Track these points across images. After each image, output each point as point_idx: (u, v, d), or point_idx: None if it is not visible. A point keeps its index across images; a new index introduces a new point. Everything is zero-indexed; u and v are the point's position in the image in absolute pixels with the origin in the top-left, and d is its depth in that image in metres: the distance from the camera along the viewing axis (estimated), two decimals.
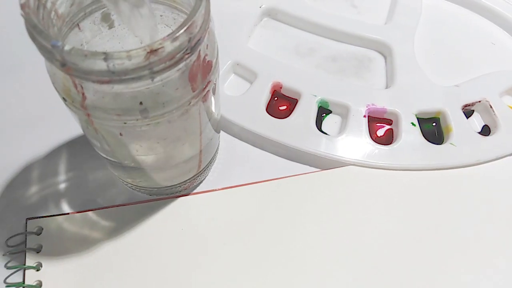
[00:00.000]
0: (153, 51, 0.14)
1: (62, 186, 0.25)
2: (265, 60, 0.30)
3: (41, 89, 0.28)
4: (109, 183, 0.25)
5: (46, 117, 0.27)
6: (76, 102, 0.16)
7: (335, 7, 0.34)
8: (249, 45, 0.31)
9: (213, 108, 0.21)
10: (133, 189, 0.25)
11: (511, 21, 0.34)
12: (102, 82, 0.14)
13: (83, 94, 0.16)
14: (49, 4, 0.16)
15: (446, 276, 0.24)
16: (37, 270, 0.22)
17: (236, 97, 0.29)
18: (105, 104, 0.16)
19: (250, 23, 0.32)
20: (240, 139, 0.28)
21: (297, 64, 0.31)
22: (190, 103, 0.17)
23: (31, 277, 0.22)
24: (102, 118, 0.17)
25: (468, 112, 0.30)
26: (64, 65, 0.14)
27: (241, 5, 0.33)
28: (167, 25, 0.20)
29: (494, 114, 0.29)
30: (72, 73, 0.14)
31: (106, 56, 0.14)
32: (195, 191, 0.26)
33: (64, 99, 0.17)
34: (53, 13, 0.16)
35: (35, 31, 0.14)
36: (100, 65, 0.14)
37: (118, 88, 0.15)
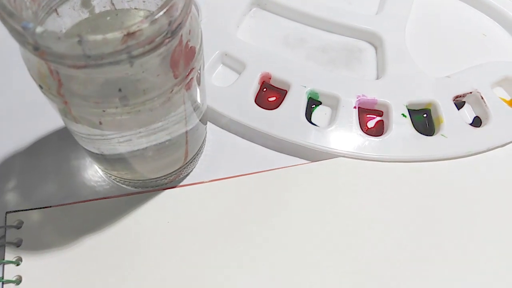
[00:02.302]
0: (130, 34, 0.13)
1: (44, 178, 0.24)
2: (254, 50, 0.30)
3: (19, 79, 0.28)
4: (93, 176, 0.25)
5: (26, 108, 0.26)
6: (52, 89, 0.16)
7: None
8: (237, 35, 0.31)
9: (198, 98, 0.21)
10: (117, 182, 0.24)
11: (503, 12, 0.34)
12: (77, 67, 0.14)
13: (59, 80, 0.15)
14: None
15: (436, 265, 0.23)
16: (17, 265, 0.22)
17: (224, 88, 0.28)
18: (82, 91, 0.15)
19: (238, 13, 0.32)
20: (228, 130, 0.28)
21: (286, 54, 0.31)
22: (172, 90, 0.17)
23: (11, 272, 0.21)
24: (81, 106, 0.16)
25: (459, 103, 0.30)
26: (37, 49, 0.13)
27: None
28: (149, 11, 0.20)
29: (486, 106, 0.29)
30: (46, 57, 0.14)
31: (81, 39, 0.13)
32: (182, 183, 0.25)
33: (40, 86, 0.16)
34: None
35: (5, 12, 0.13)
36: (75, 48, 0.13)
37: (95, 73, 0.14)
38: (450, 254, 0.24)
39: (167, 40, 0.15)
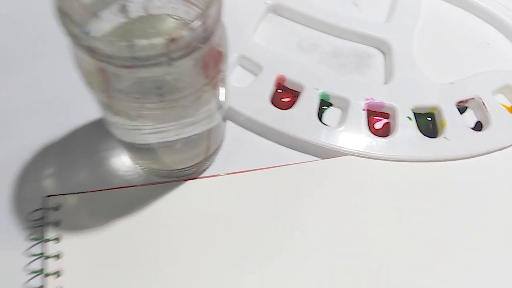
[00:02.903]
0: (173, 40, 0.16)
1: (78, 167, 0.27)
2: (270, 54, 0.32)
3: (58, 76, 0.30)
4: (123, 166, 0.27)
5: (64, 102, 0.29)
6: (99, 86, 0.18)
7: (338, 5, 0.36)
8: (254, 39, 0.33)
9: (222, 97, 0.23)
10: (145, 171, 0.27)
11: (506, 23, 0.35)
12: (125, 67, 0.16)
13: (106, 78, 0.17)
14: None
15: (437, 260, 0.25)
16: (57, 243, 0.24)
17: (242, 88, 0.30)
18: (126, 88, 0.18)
19: (256, 19, 0.34)
20: (245, 128, 0.30)
21: (300, 58, 0.33)
22: (202, 89, 0.19)
23: (51, 248, 0.24)
24: (123, 101, 0.18)
25: (462, 108, 0.31)
26: (91, 51, 0.16)
27: (248, 1, 0.34)
28: (179, 17, 0.22)
29: (487, 111, 0.31)
30: (98, 58, 0.16)
31: (131, 43, 0.15)
32: (202, 175, 0.27)
33: (88, 82, 0.18)
34: (77, 2, 0.18)
35: (66, 19, 0.16)
36: (124, 51, 0.15)
37: (139, 73, 0.17)
38: (450, 248, 0.26)
39: (201, 45, 0.17)
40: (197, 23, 0.16)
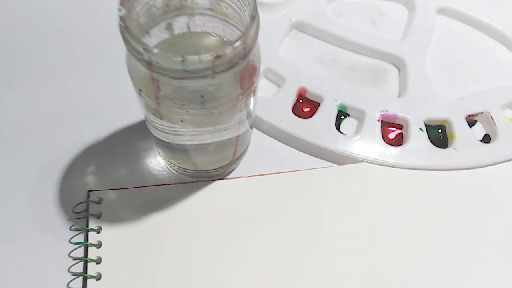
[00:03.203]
0: (218, 56, 0.18)
1: (119, 165, 0.30)
2: (293, 67, 0.35)
3: (104, 84, 0.34)
4: (158, 166, 0.30)
5: (107, 107, 0.32)
6: (151, 93, 0.21)
7: (357, 23, 0.38)
8: (279, 53, 0.36)
9: (252, 106, 0.25)
10: (177, 171, 0.29)
11: None
12: (176, 78, 0.19)
13: (158, 87, 0.20)
14: (134, 16, 0.21)
15: (443, 262, 0.27)
16: (98, 232, 0.27)
17: (266, 98, 0.33)
18: (174, 95, 0.20)
19: (280, 34, 0.37)
20: (269, 135, 0.32)
21: (320, 72, 0.35)
22: (238, 98, 0.22)
23: (93, 238, 0.27)
24: (170, 106, 0.21)
25: (471, 121, 0.33)
26: (149, 64, 0.19)
27: (273, 18, 0.37)
28: (216, 34, 0.25)
29: (495, 125, 0.33)
30: (154, 70, 0.19)
31: (183, 59, 0.18)
32: (228, 176, 0.30)
33: (140, 90, 0.21)
34: (136, 23, 0.21)
35: (131, 37, 0.18)
36: (177, 64, 0.18)
37: (187, 83, 0.19)
38: (457, 253, 0.28)
39: (240, 61, 0.20)
40: (238, 43, 0.19)
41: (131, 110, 0.31)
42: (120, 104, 0.32)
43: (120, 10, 0.19)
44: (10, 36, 0.36)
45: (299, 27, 0.38)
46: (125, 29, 0.19)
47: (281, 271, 0.26)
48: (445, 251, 0.28)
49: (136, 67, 0.21)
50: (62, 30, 0.37)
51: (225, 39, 0.24)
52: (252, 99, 0.24)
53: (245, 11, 0.21)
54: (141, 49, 0.18)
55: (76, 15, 0.38)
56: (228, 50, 0.18)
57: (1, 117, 0.32)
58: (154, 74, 0.20)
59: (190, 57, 0.18)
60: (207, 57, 0.18)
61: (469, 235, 0.28)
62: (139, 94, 0.22)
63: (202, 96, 0.20)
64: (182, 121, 0.22)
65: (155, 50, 0.18)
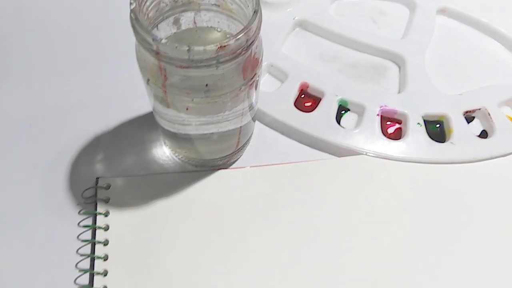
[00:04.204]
0: (222, 47, 0.19)
1: (126, 154, 0.31)
2: (295, 63, 0.36)
3: (112, 77, 0.35)
4: (164, 155, 0.31)
5: (116, 99, 0.33)
6: (158, 82, 0.22)
7: (358, 22, 0.40)
8: (282, 50, 0.37)
9: (254, 98, 0.27)
10: (182, 160, 0.31)
11: None
12: (182, 67, 0.20)
13: (165, 76, 0.22)
14: (144, 10, 0.22)
15: (439, 254, 0.28)
16: (105, 216, 0.28)
17: (269, 92, 0.34)
18: (180, 84, 0.22)
19: (284, 32, 0.38)
20: (271, 127, 0.33)
21: (322, 68, 0.37)
22: (240, 89, 0.23)
23: (101, 221, 0.28)
24: (176, 95, 0.22)
25: (469, 117, 0.34)
26: (157, 53, 0.20)
27: (278, 17, 0.38)
28: (221, 29, 0.26)
29: (492, 121, 0.33)
30: (162, 59, 0.20)
31: (189, 49, 0.19)
32: (232, 166, 0.31)
33: (148, 79, 0.23)
34: (145, 16, 0.22)
35: (141, 28, 0.20)
36: (184, 54, 0.19)
37: (193, 72, 0.21)
38: (448, 245, 0.29)
39: (243, 52, 0.21)
40: (240, 35, 0.20)
41: (139, 103, 0.32)
42: (128, 98, 0.33)
43: (131, 3, 0.21)
44: (25, 32, 0.38)
45: (303, 25, 0.39)
46: (136, 21, 0.20)
47: (281, 259, 0.27)
48: (441, 243, 0.29)
49: (145, 57, 0.22)
50: (75, 25, 0.38)
51: (229, 34, 0.26)
52: (254, 91, 0.26)
53: (248, 6, 0.22)
54: (150, 40, 0.19)
55: (84, 12, 0.39)
56: (232, 41, 0.20)
57: (17, 109, 0.33)
58: (162, 64, 0.21)
59: (195, 47, 0.19)
60: (211, 47, 0.19)
61: (465, 227, 0.29)
62: (147, 83, 0.23)
63: (207, 85, 0.22)
64: (187, 109, 0.23)
65: (163, 40, 0.19)
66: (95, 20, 0.39)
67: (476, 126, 0.34)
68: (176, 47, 0.19)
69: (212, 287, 0.26)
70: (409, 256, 0.28)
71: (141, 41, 0.20)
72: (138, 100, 0.32)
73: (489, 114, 0.34)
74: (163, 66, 0.21)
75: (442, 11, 0.41)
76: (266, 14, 0.38)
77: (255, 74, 0.24)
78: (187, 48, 0.19)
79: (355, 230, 0.29)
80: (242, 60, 0.22)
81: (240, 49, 0.20)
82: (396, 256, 0.28)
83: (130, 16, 0.20)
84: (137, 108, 0.33)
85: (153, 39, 0.19)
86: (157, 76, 0.22)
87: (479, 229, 0.29)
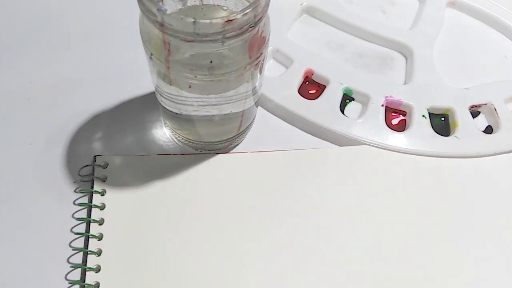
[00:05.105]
0: (229, 21, 0.19)
1: (126, 133, 0.30)
2: (301, 50, 0.35)
3: (114, 54, 0.34)
4: (163, 136, 0.31)
5: (117, 77, 0.33)
6: (161, 56, 0.21)
7: (367, 11, 0.39)
8: (288, 36, 0.36)
9: (257, 81, 0.26)
10: (182, 142, 0.30)
11: None
12: (187, 41, 0.19)
13: (169, 50, 0.21)
14: None
15: (439, 247, 0.28)
16: (102, 195, 0.27)
17: (273, 78, 0.34)
18: (183, 60, 0.21)
19: (291, 18, 0.37)
20: (273, 113, 0.33)
21: (328, 56, 0.36)
22: (245, 68, 0.22)
23: (97, 199, 0.27)
24: (179, 71, 0.22)
25: (474, 112, 0.34)
26: (162, 25, 0.19)
27: (285, 2, 0.38)
28: (228, 7, 0.25)
29: (498, 117, 0.33)
30: (167, 31, 0.19)
31: (195, 21, 0.19)
32: (232, 151, 0.31)
33: (151, 54, 0.22)
34: None
35: None
36: (189, 27, 0.19)
37: (197, 47, 0.20)
38: (449, 239, 0.28)
39: (250, 28, 0.20)
40: (248, 10, 0.19)
41: (141, 81, 0.32)
42: (130, 76, 0.32)
43: None
44: (23, 6, 0.37)
45: (310, 11, 0.38)
46: None
47: (278, 246, 0.27)
48: (441, 237, 0.28)
49: (149, 30, 0.21)
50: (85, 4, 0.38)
51: None
52: (258, 73, 0.25)
53: None
54: (154, 10, 0.19)
55: None
56: (239, 16, 0.19)
57: (14, 82, 0.33)
58: (166, 37, 0.20)
59: (201, 20, 0.19)
60: (218, 21, 0.19)
61: (466, 221, 0.29)
62: (150, 58, 0.22)
63: (211, 62, 0.21)
64: (190, 86, 0.23)
65: (168, 11, 0.19)
66: None
67: (482, 121, 0.34)
68: (182, 19, 0.19)
69: (209, 273, 0.26)
70: (408, 248, 0.28)
71: (146, 11, 0.19)
72: (140, 78, 0.31)
73: (495, 110, 0.33)
74: (168, 40, 0.20)
75: (452, 4, 0.40)
76: None
77: (261, 54, 0.23)
78: (192, 21, 0.19)
79: (354, 219, 0.28)
80: (248, 37, 0.21)
81: (247, 25, 0.20)
82: (395, 248, 0.27)
83: None
84: (139, 87, 0.32)
85: (158, 10, 0.19)
86: (161, 51, 0.21)
87: (480, 224, 0.29)
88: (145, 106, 0.31)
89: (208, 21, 0.19)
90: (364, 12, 0.39)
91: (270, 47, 0.35)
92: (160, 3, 0.24)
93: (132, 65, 0.33)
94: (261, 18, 0.20)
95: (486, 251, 0.28)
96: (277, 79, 0.33)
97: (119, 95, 0.32)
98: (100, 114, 0.31)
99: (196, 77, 0.22)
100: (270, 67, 0.35)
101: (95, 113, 0.31)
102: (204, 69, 0.21)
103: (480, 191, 0.30)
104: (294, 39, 0.36)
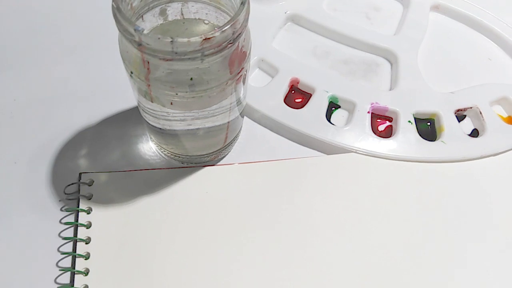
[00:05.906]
0: (207, 39, 0.19)
1: (111, 149, 0.30)
2: (286, 58, 0.35)
3: (96, 70, 0.34)
4: (149, 151, 0.30)
5: (101, 93, 0.33)
6: (141, 75, 0.21)
7: (351, 18, 0.39)
8: (273, 45, 0.36)
9: (241, 92, 0.26)
10: (168, 156, 0.30)
11: (507, 40, 0.38)
12: (166, 60, 0.19)
13: (148, 69, 0.21)
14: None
15: (429, 252, 0.28)
16: (88, 213, 0.27)
17: (259, 88, 0.34)
18: (163, 78, 0.21)
19: (275, 26, 0.37)
20: (260, 124, 0.33)
21: (313, 64, 0.36)
22: (227, 83, 0.22)
23: (83, 218, 0.27)
24: (160, 89, 0.21)
25: (460, 116, 0.34)
26: (140, 45, 0.19)
27: (269, 10, 0.38)
28: (209, 21, 0.25)
29: (483, 120, 0.33)
30: (145, 51, 0.19)
31: (173, 40, 0.18)
32: (219, 163, 0.30)
33: (131, 72, 0.22)
34: (129, 6, 0.22)
35: (122, 18, 0.19)
36: (167, 46, 0.19)
37: (176, 65, 0.20)
38: (439, 243, 0.28)
39: (229, 45, 0.20)
40: (226, 27, 0.19)
41: (124, 96, 0.32)
42: (113, 90, 0.32)
43: None
44: (5, 22, 0.37)
45: (294, 19, 0.38)
46: (117, 10, 0.19)
47: (267, 258, 0.27)
48: (430, 242, 0.28)
49: (128, 49, 0.21)
50: (57, 16, 0.37)
51: (218, 27, 0.25)
52: (242, 85, 0.25)
53: None
54: (131, 30, 0.19)
55: (71, 1, 0.38)
56: (217, 33, 0.19)
57: None
58: (145, 56, 0.20)
59: (179, 39, 0.18)
60: (196, 39, 0.19)
61: (454, 225, 0.29)
62: (131, 76, 0.22)
63: (192, 79, 0.21)
64: (171, 103, 0.22)
65: (145, 31, 0.18)
66: (81, 9, 0.38)
67: (467, 124, 0.34)
68: (159, 39, 0.18)
69: (196, 285, 0.26)
70: (398, 255, 0.28)
71: (123, 31, 0.19)
72: (124, 93, 0.31)
73: (481, 113, 0.33)
74: (146, 59, 0.20)
75: (436, 8, 0.40)
76: (257, 7, 0.38)
77: (243, 68, 0.23)
78: (170, 40, 0.18)
79: (343, 228, 0.28)
80: (228, 53, 0.21)
81: (226, 42, 0.20)
82: (385, 254, 0.27)
83: (112, 5, 0.19)
84: (123, 101, 0.32)
85: (135, 30, 0.18)
86: (140, 69, 0.21)
87: (468, 228, 0.29)
88: (130, 121, 0.31)
89: (186, 40, 0.19)
90: (348, 18, 0.39)
91: (255, 57, 0.35)
92: (140, 20, 0.24)
93: (116, 80, 0.32)
94: (240, 34, 0.20)
95: (475, 254, 0.28)
96: (262, 89, 0.33)
97: (104, 110, 0.32)
98: (84, 130, 0.31)
99: (177, 94, 0.21)
100: (255, 77, 0.35)
101: (79, 129, 0.31)
102: (184, 86, 0.21)
103: (468, 195, 0.30)
104: (279, 48, 0.36)
